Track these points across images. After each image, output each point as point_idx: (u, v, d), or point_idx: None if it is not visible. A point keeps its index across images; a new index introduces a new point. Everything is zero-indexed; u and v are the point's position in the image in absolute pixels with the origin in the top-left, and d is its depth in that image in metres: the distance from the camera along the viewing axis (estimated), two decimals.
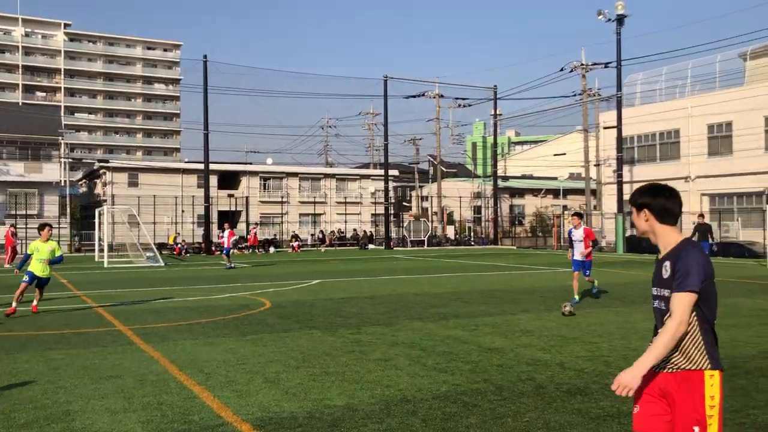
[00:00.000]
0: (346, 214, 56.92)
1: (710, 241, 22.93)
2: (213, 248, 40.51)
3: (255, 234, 42.83)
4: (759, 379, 6.87)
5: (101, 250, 30.79)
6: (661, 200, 3.29)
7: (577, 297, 13.35)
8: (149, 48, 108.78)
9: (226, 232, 27.52)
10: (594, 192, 47.49)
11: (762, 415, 5.59)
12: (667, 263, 3.23)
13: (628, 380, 3.04)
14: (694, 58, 48.82)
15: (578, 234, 13.87)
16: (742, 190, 37.36)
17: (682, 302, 3.08)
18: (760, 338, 9.24)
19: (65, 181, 56.18)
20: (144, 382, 6.96)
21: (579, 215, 14.50)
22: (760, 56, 40.69)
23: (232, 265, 26.21)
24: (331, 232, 52.96)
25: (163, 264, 28.30)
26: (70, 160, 67.92)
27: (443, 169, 62.29)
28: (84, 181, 67.01)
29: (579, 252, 13.76)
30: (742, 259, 29.20)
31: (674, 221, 3.31)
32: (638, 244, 36.92)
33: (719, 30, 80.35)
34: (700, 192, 39.69)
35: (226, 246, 27.15)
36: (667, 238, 3.29)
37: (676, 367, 3.16)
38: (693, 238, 23.70)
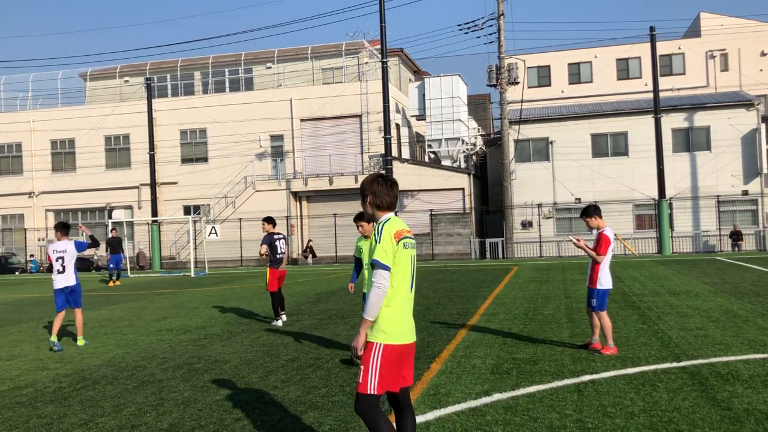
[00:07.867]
0: None
1: (123, 253, 23.55)
2: None
3: None
4: (105, 387, 7.14)
5: None
6: None
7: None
8: None
9: None
10: None
11: (109, 421, 5.80)
12: None
13: None
14: (35, 71, 48.09)
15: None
16: (87, 205, 38.67)
17: None
18: (104, 348, 9.67)
19: None
20: None
21: None
22: (99, 78, 43.03)
23: None
24: None
25: None
26: None
27: None
28: None
29: None
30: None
31: None
32: None
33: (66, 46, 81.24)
34: (45, 208, 39.24)
35: None
36: None
37: None
38: (107, 251, 23.66)
